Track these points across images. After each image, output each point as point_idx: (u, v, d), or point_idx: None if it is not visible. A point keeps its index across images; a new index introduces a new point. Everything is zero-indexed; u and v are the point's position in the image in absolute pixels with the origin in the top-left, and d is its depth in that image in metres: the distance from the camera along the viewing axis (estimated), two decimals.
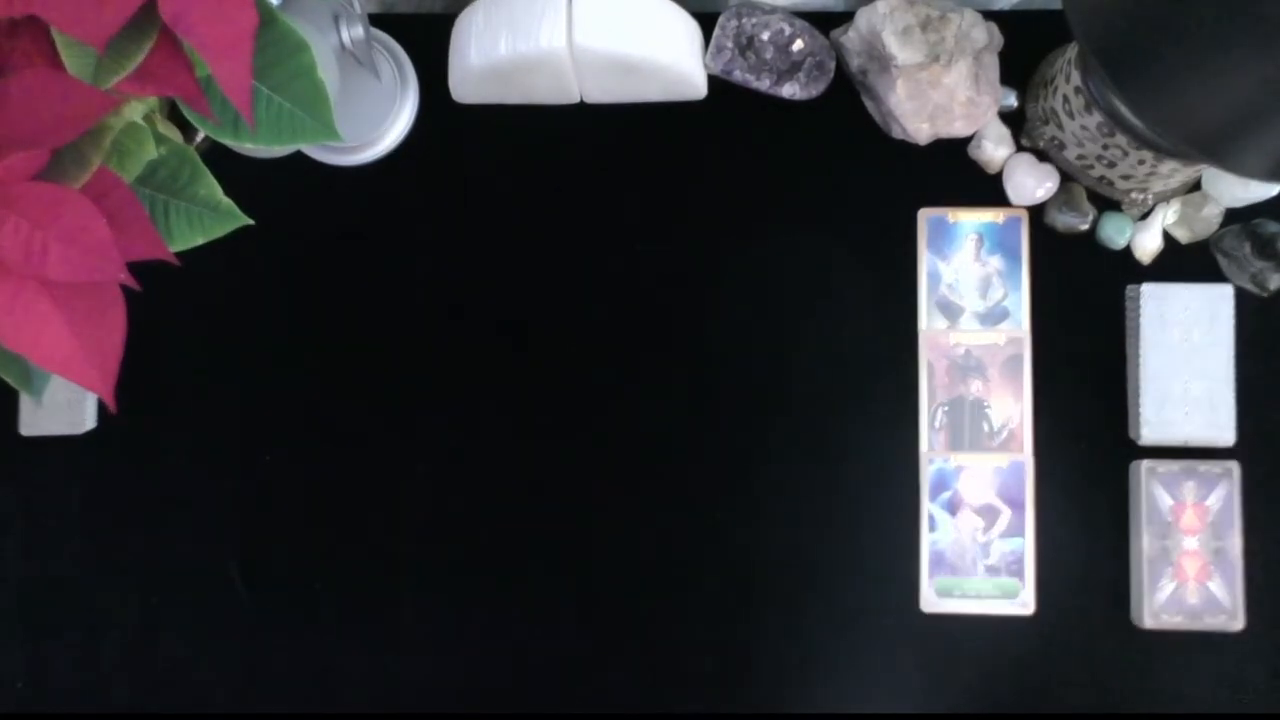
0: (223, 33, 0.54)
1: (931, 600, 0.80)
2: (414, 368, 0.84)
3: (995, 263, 0.82)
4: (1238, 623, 0.78)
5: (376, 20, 0.86)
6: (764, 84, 0.82)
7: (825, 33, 0.83)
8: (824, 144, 0.84)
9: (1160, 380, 0.79)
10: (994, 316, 0.82)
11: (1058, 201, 0.82)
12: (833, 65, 0.83)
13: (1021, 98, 0.83)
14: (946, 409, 0.81)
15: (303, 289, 0.85)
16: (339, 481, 0.84)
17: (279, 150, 0.82)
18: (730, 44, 0.82)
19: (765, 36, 0.81)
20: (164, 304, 0.75)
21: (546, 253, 0.85)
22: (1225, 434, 0.79)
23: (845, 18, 0.83)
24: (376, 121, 0.84)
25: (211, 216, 0.62)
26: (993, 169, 0.83)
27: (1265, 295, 0.80)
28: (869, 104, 0.84)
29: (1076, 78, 0.75)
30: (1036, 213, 0.83)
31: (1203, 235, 0.82)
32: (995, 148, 0.82)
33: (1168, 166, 0.76)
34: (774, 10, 0.82)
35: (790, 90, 0.82)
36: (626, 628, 0.81)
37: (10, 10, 0.52)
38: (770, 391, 0.83)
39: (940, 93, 0.79)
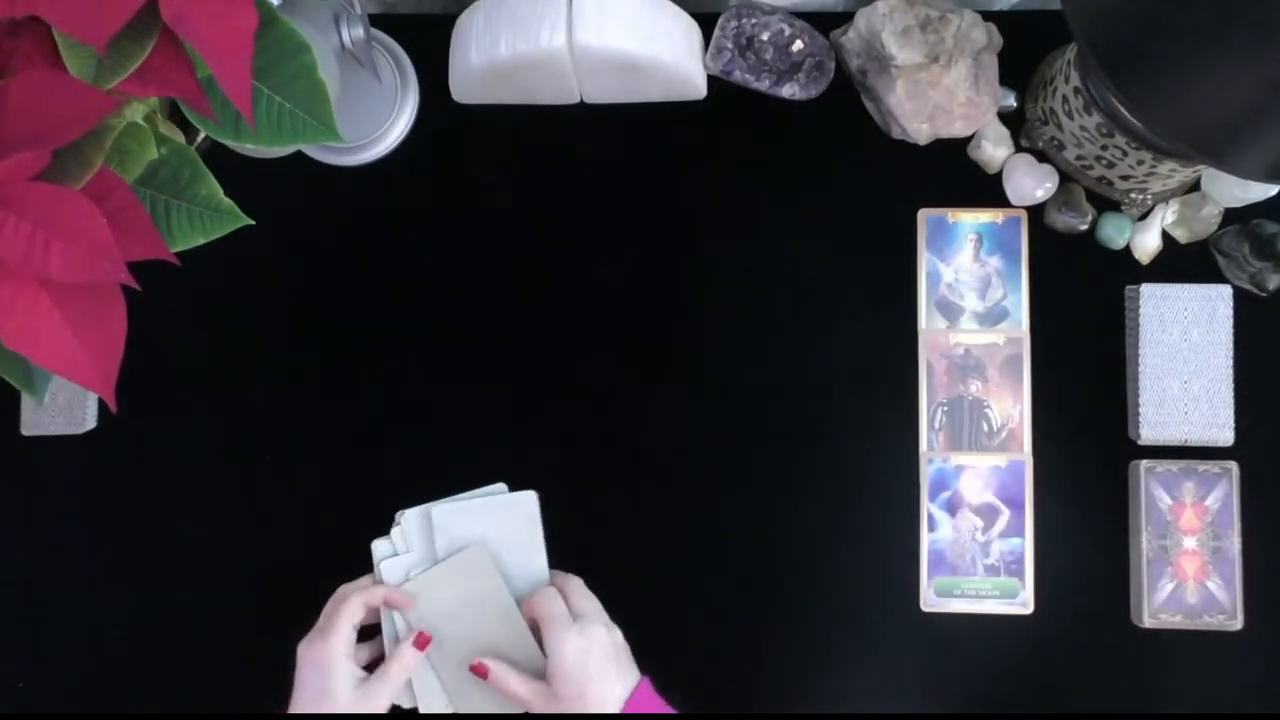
0: (223, 33, 0.54)
1: (931, 600, 0.80)
2: (414, 367, 0.84)
3: (995, 263, 0.83)
4: (1236, 622, 0.78)
5: (377, 21, 0.86)
6: (764, 84, 0.82)
7: (825, 33, 0.83)
8: (824, 144, 0.84)
9: (1159, 380, 0.79)
10: (993, 316, 0.82)
11: (1057, 201, 0.82)
12: (832, 65, 0.83)
13: (1021, 98, 0.83)
14: (946, 409, 0.81)
15: (303, 289, 0.85)
16: (339, 481, 0.84)
17: (279, 150, 0.82)
18: (730, 44, 0.82)
19: (765, 37, 0.82)
20: (164, 304, 0.75)
21: (547, 252, 0.85)
22: (1224, 434, 0.79)
23: (845, 18, 0.83)
24: (377, 121, 0.84)
25: (212, 217, 0.62)
26: (992, 169, 0.83)
27: (1264, 295, 0.81)
28: (869, 104, 0.84)
29: (1076, 78, 0.75)
30: (1036, 213, 0.83)
31: (1202, 235, 0.82)
32: (995, 148, 0.82)
33: (1167, 166, 0.76)
34: (774, 11, 0.82)
35: (790, 90, 0.83)
36: (625, 627, 0.81)
37: (11, 10, 0.52)
38: (770, 391, 0.83)
39: (940, 93, 0.79)
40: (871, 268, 0.83)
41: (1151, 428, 0.79)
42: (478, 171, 0.86)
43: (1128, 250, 0.82)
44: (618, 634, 0.71)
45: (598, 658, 0.68)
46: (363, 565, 0.83)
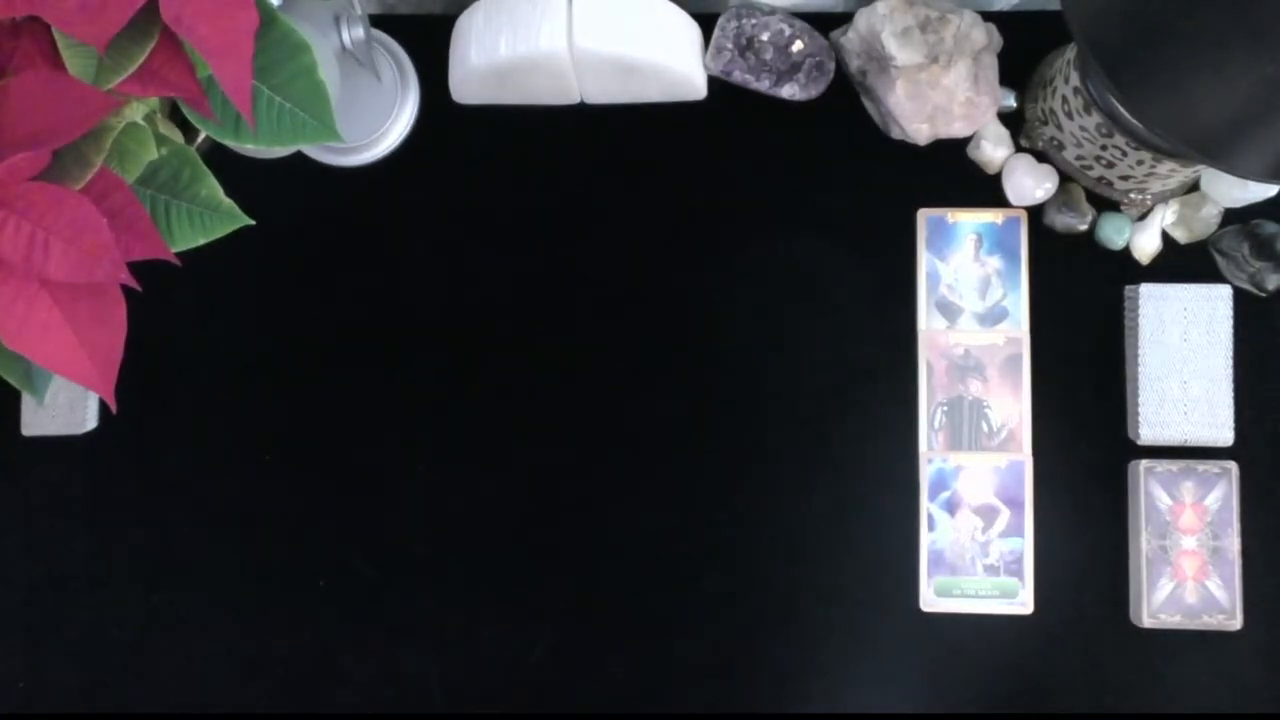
0: (223, 33, 0.54)
1: (931, 600, 0.80)
2: (414, 367, 0.84)
3: (994, 263, 0.83)
4: (1236, 622, 0.78)
5: (377, 21, 0.86)
6: (764, 85, 0.82)
7: (825, 33, 0.83)
8: (824, 144, 0.84)
9: (1159, 380, 0.79)
10: (993, 317, 0.82)
11: (1056, 202, 0.82)
12: (832, 66, 0.83)
13: (1020, 98, 0.83)
14: (946, 409, 0.82)
15: (303, 289, 0.85)
16: (339, 481, 0.84)
17: (280, 150, 0.82)
18: (730, 45, 0.82)
19: (765, 37, 0.82)
20: (164, 304, 0.75)
21: (546, 253, 0.85)
22: (1223, 434, 0.79)
23: (845, 18, 0.83)
24: (377, 122, 0.84)
25: (212, 217, 0.62)
26: (992, 169, 0.83)
27: (1263, 295, 0.81)
28: (868, 104, 0.84)
29: (1075, 78, 0.75)
30: (1035, 213, 0.83)
31: (1201, 235, 0.82)
32: (994, 148, 0.82)
33: (1166, 167, 0.76)
34: (774, 11, 0.82)
35: (790, 91, 0.83)
36: (627, 627, 0.81)
37: (12, 11, 0.52)
38: (769, 392, 0.83)
39: (939, 93, 0.79)
40: (871, 268, 0.83)
41: (1151, 428, 0.79)
42: (478, 171, 0.86)
43: (1127, 250, 0.82)
44: None
45: None
46: (363, 564, 0.84)
